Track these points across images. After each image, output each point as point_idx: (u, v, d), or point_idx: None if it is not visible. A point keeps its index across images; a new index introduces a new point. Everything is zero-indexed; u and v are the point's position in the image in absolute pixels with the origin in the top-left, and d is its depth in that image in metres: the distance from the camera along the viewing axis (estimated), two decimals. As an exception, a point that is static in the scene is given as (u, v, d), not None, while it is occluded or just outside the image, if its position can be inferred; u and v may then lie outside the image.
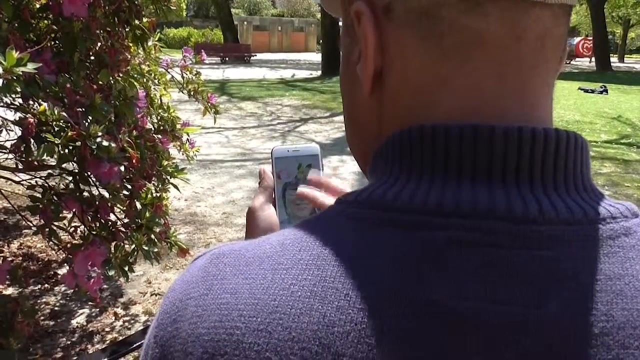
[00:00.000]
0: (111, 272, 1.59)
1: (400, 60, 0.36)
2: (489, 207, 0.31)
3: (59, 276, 3.12)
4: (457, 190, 0.32)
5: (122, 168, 1.50)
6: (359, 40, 0.37)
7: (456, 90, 0.34)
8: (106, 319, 2.79)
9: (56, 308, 2.85)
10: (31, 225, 1.82)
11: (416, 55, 0.35)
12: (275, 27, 39.34)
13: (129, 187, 1.78)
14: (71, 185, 1.67)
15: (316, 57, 28.19)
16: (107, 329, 2.69)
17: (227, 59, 23.12)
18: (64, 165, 1.53)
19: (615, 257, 0.31)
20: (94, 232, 1.69)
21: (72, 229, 1.74)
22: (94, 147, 1.37)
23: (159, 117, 2.10)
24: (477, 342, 0.29)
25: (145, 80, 1.97)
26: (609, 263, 0.31)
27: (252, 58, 24.59)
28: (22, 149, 1.43)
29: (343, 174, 5.64)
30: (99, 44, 1.71)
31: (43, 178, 1.78)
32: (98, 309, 2.86)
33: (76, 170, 1.63)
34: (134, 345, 1.47)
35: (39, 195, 1.57)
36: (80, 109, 1.48)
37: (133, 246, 1.71)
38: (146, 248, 1.70)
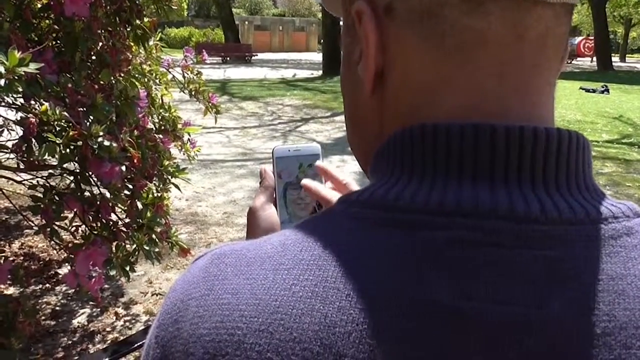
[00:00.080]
0: (112, 272, 1.59)
1: (401, 59, 0.36)
2: (490, 207, 0.31)
3: (60, 276, 3.12)
4: (459, 190, 0.32)
5: (124, 168, 1.51)
6: (360, 39, 0.37)
7: (458, 89, 0.34)
8: (107, 319, 2.79)
9: (57, 308, 2.85)
10: (32, 225, 1.82)
11: (417, 54, 0.35)
12: (276, 26, 39.34)
13: (130, 186, 1.78)
14: (72, 185, 1.67)
15: (317, 56, 28.17)
16: (108, 329, 2.70)
17: (228, 58, 23.12)
18: (65, 165, 1.53)
19: (618, 257, 0.31)
20: (95, 232, 1.69)
21: (74, 228, 1.74)
22: (95, 146, 1.37)
23: (160, 117, 2.11)
24: (478, 342, 0.29)
25: (146, 80, 1.97)
26: (611, 263, 0.31)
27: (253, 58, 24.59)
28: (24, 148, 1.43)
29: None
30: (101, 43, 1.72)
31: (44, 178, 1.78)
32: (99, 309, 2.87)
33: (77, 170, 1.64)
34: (135, 345, 1.47)
35: (40, 195, 1.58)
36: (81, 109, 1.48)
37: (134, 246, 1.71)
38: (147, 248, 1.71)
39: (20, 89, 1.22)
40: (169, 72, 2.12)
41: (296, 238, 0.34)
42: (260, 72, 18.10)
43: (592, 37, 26.52)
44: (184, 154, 2.24)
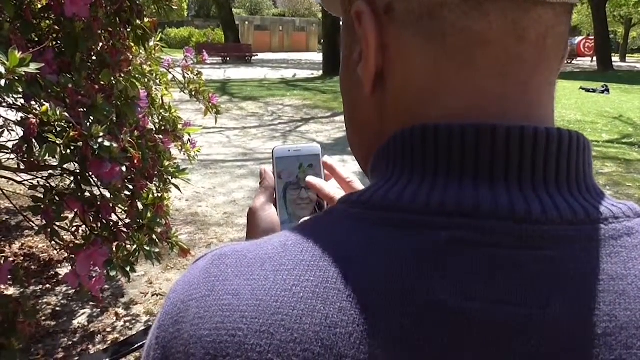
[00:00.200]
0: (113, 272, 1.59)
1: (401, 60, 0.36)
2: (491, 207, 0.31)
3: (60, 276, 3.12)
4: (459, 190, 0.32)
5: (124, 168, 1.50)
6: (360, 40, 0.37)
7: (458, 89, 0.34)
8: (107, 319, 2.79)
9: (57, 308, 2.85)
10: (33, 225, 1.82)
11: (418, 55, 0.35)
12: (276, 26, 39.35)
13: (131, 187, 1.78)
14: (73, 186, 1.67)
15: (317, 56, 28.16)
16: (108, 329, 2.70)
17: (228, 58, 23.12)
18: (65, 166, 1.53)
19: (618, 257, 0.31)
20: (96, 233, 1.69)
21: (74, 229, 1.74)
22: (95, 147, 1.37)
23: (160, 117, 2.11)
24: (479, 342, 0.29)
25: (146, 80, 1.97)
26: (611, 263, 0.31)
27: (253, 58, 24.58)
28: (24, 149, 1.43)
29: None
30: (101, 44, 1.72)
31: (45, 178, 1.78)
32: (99, 309, 2.87)
33: (78, 171, 1.64)
34: (136, 346, 1.48)
35: (40, 195, 1.58)
36: (82, 109, 1.48)
37: (134, 246, 1.71)
38: (147, 248, 1.71)
39: (20, 90, 1.22)
40: (169, 72, 2.12)
41: (297, 239, 0.34)
42: (261, 72, 18.10)
43: (592, 37, 26.50)
44: (184, 155, 2.24)
